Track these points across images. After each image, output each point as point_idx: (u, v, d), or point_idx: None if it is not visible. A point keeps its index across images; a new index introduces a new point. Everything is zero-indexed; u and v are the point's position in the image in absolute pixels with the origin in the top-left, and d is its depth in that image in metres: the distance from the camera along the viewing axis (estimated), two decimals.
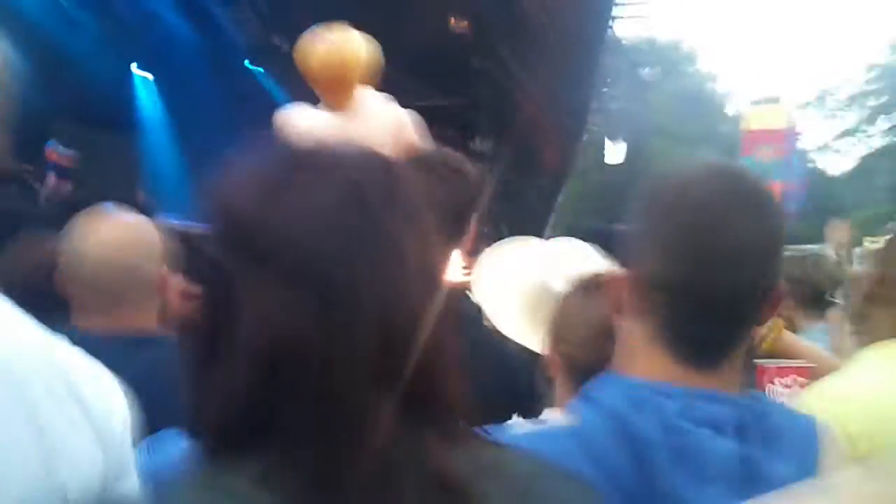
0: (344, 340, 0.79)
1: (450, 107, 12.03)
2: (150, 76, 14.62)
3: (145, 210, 11.49)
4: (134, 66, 14.65)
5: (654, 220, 1.35)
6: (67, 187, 10.33)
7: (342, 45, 3.74)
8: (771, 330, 2.44)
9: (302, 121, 3.89)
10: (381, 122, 3.90)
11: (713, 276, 1.27)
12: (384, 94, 4.03)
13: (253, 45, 14.36)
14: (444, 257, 0.90)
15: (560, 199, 11.57)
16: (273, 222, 0.84)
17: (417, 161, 2.18)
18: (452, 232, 2.03)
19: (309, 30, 3.77)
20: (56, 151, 10.24)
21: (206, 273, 0.93)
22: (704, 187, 1.30)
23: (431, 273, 0.88)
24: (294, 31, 13.72)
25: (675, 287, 1.29)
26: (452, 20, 12.97)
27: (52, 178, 9.88)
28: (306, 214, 0.82)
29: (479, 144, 12.42)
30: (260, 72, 14.24)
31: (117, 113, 13.93)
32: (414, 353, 0.82)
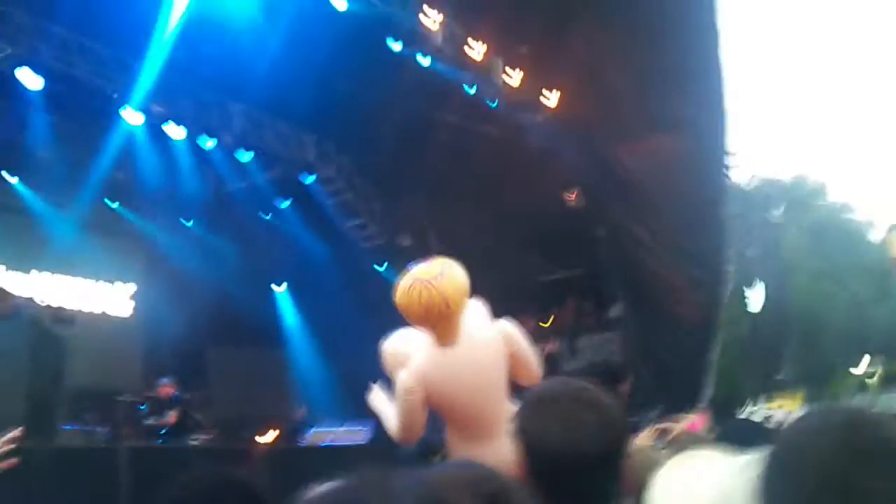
0: None
1: (577, 278, 12.05)
2: (285, 290, 15.43)
3: (305, 424, 11.74)
4: (274, 285, 15.55)
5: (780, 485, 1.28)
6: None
7: (439, 284, 3.65)
8: None
9: (405, 351, 3.82)
10: (487, 348, 3.76)
11: None
12: (481, 309, 3.88)
13: (378, 247, 15.07)
14: None
15: (713, 356, 11.17)
16: None
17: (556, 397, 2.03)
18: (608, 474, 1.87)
19: (404, 274, 3.73)
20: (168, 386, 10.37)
21: None
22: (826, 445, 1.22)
23: None
24: (415, 230, 14.31)
25: None
26: (564, 194, 13.25)
27: (171, 416, 9.98)
28: None
29: (614, 312, 12.26)
30: (387, 275, 14.80)
31: (263, 330, 14.68)
32: None
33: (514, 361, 3.72)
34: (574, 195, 13.42)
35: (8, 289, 9.32)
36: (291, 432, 11.60)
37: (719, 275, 11.54)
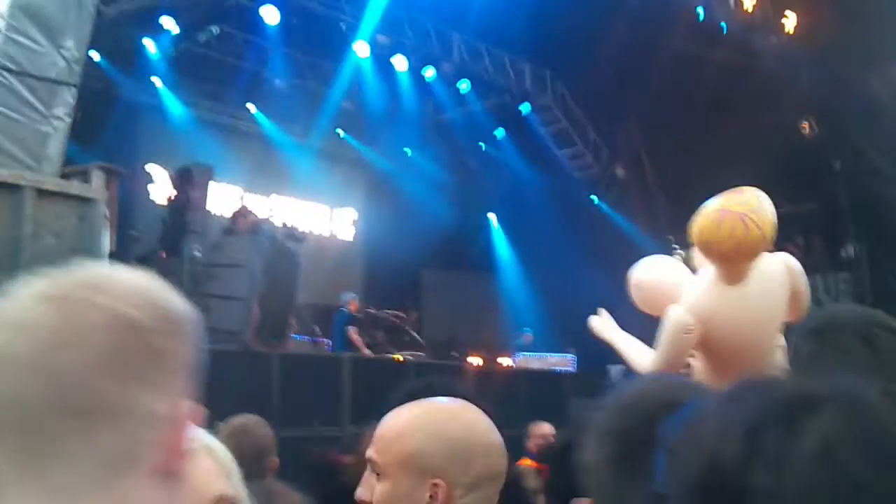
0: None
1: (809, 213, 11.23)
2: (498, 219, 15.69)
3: (517, 348, 11.98)
4: (489, 213, 15.85)
5: None
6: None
7: (757, 219, 3.18)
8: None
9: (671, 283, 3.50)
10: (777, 286, 3.35)
11: None
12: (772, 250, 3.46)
13: (594, 179, 14.86)
14: None
15: None
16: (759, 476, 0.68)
17: None
18: None
19: (710, 202, 3.32)
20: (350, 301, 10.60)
21: None
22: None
23: None
24: (631, 161, 13.89)
25: None
26: (797, 124, 12.30)
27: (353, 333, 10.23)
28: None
29: (849, 251, 11.33)
30: (602, 205, 14.58)
31: (477, 257, 15.10)
32: None
33: (793, 298, 3.36)
34: (808, 125, 12.42)
35: (249, 208, 10.23)
36: (501, 355, 11.90)
37: None
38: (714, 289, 3.33)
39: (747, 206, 3.15)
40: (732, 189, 3.27)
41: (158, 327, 0.84)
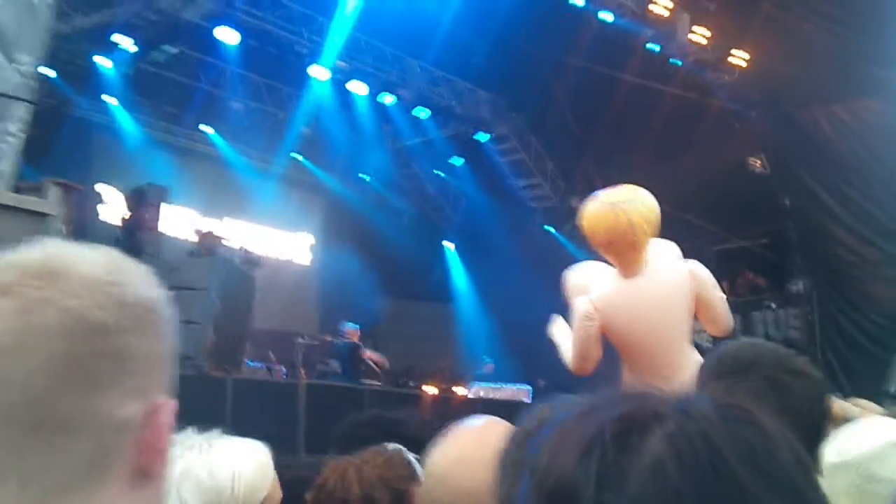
0: None
1: (758, 248, 11.47)
2: (453, 248, 15.73)
3: (472, 378, 11.98)
4: (445, 242, 15.88)
5: None
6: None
7: (627, 209, 3.51)
8: None
9: (586, 282, 3.75)
10: (672, 284, 3.62)
11: None
12: (672, 249, 3.71)
13: (549, 209, 15.00)
14: None
15: None
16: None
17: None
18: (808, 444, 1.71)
19: (592, 195, 3.63)
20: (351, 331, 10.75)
21: None
22: None
23: None
24: (588, 193, 14.14)
25: None
26: (748, 159, 12.59)
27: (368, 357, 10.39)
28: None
29: (798, 286, 11.56)
30: (557, 235, 14.72)
31: (434, 286, 15.07)
32: None
33: (700, 305, 3.56)
34: (759, 161, 12.72)
35: (214, 231, 10.09)
36: (455, 385, 11.87)
37: None
38: (612, 281, 3.58)
39: (620, 198, 3.42)
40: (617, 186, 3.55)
41: (124, 326, 0.76)
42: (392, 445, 2.76)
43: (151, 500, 0.80)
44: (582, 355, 3.58)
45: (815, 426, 1.70)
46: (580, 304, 3.55)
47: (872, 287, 10.89)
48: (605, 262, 3.64)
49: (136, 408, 0.77)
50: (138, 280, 0.80)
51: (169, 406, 0.81)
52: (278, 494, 2.06)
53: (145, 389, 0.78)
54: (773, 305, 11.64)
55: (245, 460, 1.97)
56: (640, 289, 3.56)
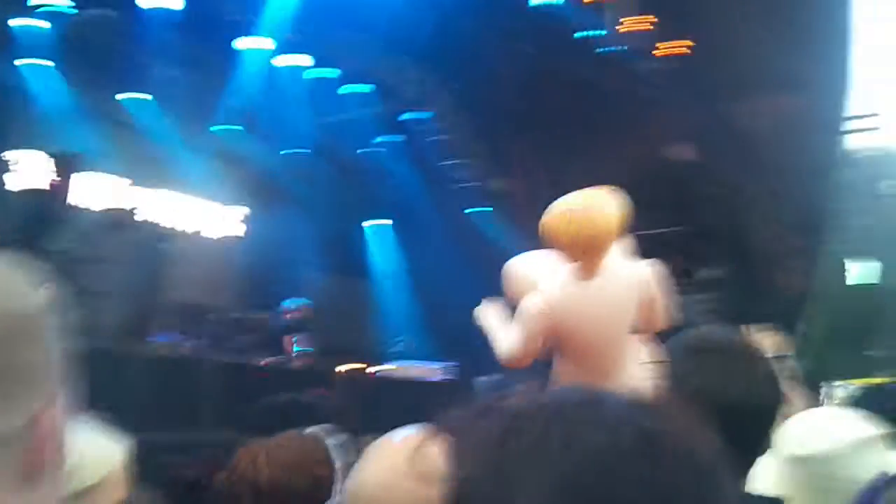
0: None
1: (671, 235, 11.73)
2: (382, 224, 15.70)
3: (390, 356, 12.02)
4: (371, 219, 15.83)
5: None
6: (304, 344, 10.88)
7: (595, 215, 3.41)
8: None
9: (533, 276, 3.67)
10: (624, 288, 3.62)
11: None
12: (626, 247, 3.68)
13: (476, 190, 15.07)
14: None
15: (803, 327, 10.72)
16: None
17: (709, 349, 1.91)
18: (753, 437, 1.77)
19: (558, 201, 3.52)
20: (290, 310, 10.78)
21: None
22: None
23: None
24: (514, 175, 14.23)
25: None
26: (673, 148, 12.85)
27: (287, 341, 10.36)
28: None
29: (706, 273, 11.89)
30: (485, 213, 14.80)
31: (357, 262, 15.02)
32: None
33: (646, 307, 3.64)
34: (683, 150, 12.99)
35: (122, 203, 9.91)
36: (374, 363, 11.91)
37: (821, 244, 11.00)
38: (565, 280, 3.59)
39: (584, 203, 3.46)
40: (583, 188, 3.53)
41: (6, 338, 0.75)
42: (310, 429, 2.77)
43: (44, 499, 0.81)
44: (525, 352, 3.61)
45: (773, 403, 1.84)
46: (533, 303, 3.55)
47: (778, 277, 11.27)
48: (546, 250, 3.62)
49: (16, 421, 0.76)
50: (12, 290, 0.78)
51: (53, 412, 0.80)
52: (120, 493, 2.02)
53: (26, 401, 0.78)
54: (680, 291, 11.92)
55: (90, 444, 1.97)
56: (596, 291, 3.57)
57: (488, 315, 3.87)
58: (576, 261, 3.51)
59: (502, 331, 3.72)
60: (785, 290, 10.96)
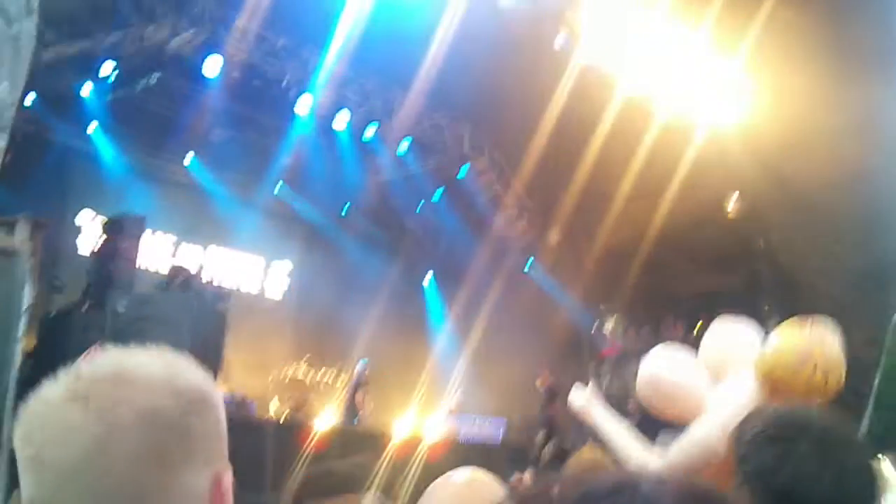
0: None
1: (727, 289, 11.55)
2: (432, 281, 15.73)
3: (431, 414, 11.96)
4: (424, 276, 15.89)
5: None
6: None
7: (825, 366, 3.01)
8: None
9: (694, 394, 3.27)
10: None
11: None
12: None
13: (528, 244, 15.05)
14: None
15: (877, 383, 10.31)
16: None
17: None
18: None
19: (786, 334, 3.11)
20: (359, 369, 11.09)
21: None
22: None
23: None
24: (564, 228, 14.14)
25: None
26: (724, 202, 12.71)
27: (360, 396, 10.67)
28: None
29: (768, 327, 11.65)
30: (536, 270, 14.76)
31: (410, 319, 15.01)
32: None
33: None
34: (734, 203, 12.85)
35: (179, 263, 10.07)
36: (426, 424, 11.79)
37: (886, 295, 10.67)
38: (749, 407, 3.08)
39: (817, 345, 2.95)
40: (804, 320, 3.11)
41: (185, 410, 0.89)
42: (369, 495, 2.76)
43: None
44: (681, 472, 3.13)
45: (869, 492, 1.62)
46: (710, 438, 3.02)
47: (844, 331, 10.99)
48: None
49: (205, 478, 0.91)
50: (189, 371, 0.95)
51: (229, 472, 0.96)
52: None
53: (210, 459, 0.93)
54: None
55: None
56: None
57: (598, 412, 3.52)
58: (782, 402, 3.11)
59: (626, 437, 3.30)
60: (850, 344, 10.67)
